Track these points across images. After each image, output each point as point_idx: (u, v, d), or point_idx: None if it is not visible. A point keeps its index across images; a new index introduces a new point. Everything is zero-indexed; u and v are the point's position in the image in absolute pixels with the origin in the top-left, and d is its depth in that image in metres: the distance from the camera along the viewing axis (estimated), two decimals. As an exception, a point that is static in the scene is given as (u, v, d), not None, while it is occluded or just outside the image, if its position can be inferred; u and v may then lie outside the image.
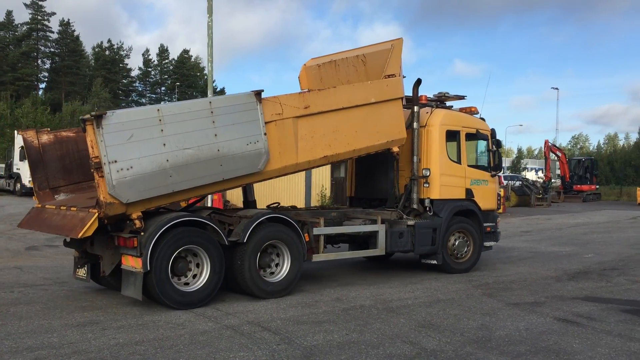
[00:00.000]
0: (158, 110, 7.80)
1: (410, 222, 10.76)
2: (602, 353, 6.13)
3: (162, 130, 7.64)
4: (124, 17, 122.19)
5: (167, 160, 7.70)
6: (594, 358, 5.98)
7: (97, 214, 7.44)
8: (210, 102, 8.24)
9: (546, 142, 42.53)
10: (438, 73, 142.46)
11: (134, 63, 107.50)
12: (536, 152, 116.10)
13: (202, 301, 8.14)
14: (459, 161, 11.50)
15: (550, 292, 9.48)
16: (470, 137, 11.81)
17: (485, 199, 11.89)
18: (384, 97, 10.09)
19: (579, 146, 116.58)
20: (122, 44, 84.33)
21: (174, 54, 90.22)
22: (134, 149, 7.42)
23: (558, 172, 45.64)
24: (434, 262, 11.10)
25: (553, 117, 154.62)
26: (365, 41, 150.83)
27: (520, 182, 40.34)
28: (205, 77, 36.12)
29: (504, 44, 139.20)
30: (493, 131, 12.26)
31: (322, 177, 23.48)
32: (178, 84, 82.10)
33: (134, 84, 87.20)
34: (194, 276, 8.25)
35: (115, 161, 7.27)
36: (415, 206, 11.04)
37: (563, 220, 24.81)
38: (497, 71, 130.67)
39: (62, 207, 8.39)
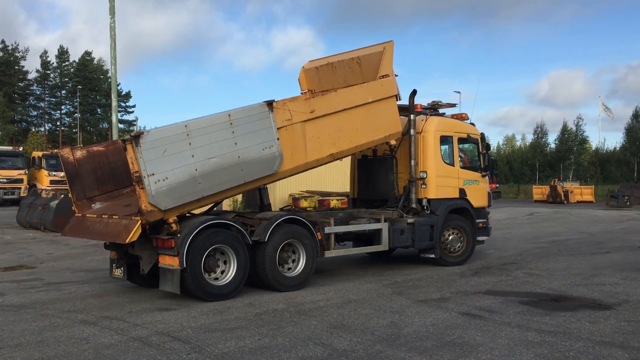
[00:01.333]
0: (185, 126, 8.63)
1: (410, 220, 11.76)
2: (502, 344, 6.45)
3: (190, 143, 8.59)
4: (22, 16, 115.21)
5: (196, 170, 8.65)
6: (495, 349, 6.28)
7: (140, 221, 8.35)
8: (229, 115, 9.10)
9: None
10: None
11: (32, 65, 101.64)
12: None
13: (231, 294, 9.10)
14: (452, 163, 12.57)
15: (455, 287, 9.88)
16: (462, 141, 12.97)
17: (477, 197, 12.98)
18: (380, 96, 11.03)
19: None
20: (17, 45, 79.47)
21: (75, 55, 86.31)
22: (167, 162, 8.34)
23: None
24: (432, 255, 12.15)
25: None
26: (279, 44, 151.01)
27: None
28: (109, 79, 34.78)
29: (415, 49, 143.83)
30: (482, 135, 13.43)
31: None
32: (80, 87, 78.53)
33: (32, 87, 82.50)
34: (222, 272, 9.19)
35: (153, 174, 8.19)
36: (414, 205, 12.09)
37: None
38: (407, 75, 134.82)
39: (103, 216, 9.27)
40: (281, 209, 11.14)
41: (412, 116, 12.09)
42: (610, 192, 37.47)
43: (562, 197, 40.93)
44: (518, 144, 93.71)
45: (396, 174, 12.22)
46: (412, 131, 12.04)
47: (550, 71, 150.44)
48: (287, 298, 9.10)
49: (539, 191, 44.71)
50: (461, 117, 13.37)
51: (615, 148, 67.03)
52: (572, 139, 68.54)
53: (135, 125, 69.91)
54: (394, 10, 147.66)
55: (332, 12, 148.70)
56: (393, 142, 11.64)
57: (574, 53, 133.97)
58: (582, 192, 43.49)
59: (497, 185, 47.86)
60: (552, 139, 71.15)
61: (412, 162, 12.06)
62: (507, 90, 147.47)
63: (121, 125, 68.56)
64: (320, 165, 10.80)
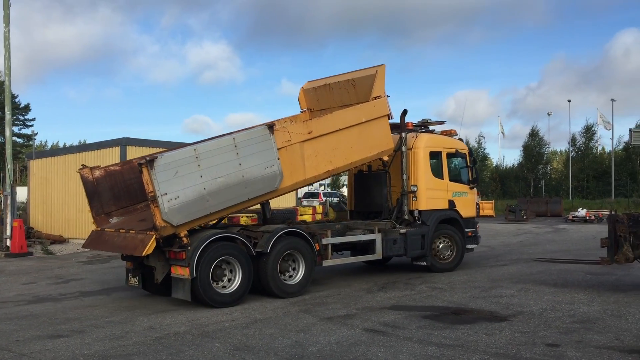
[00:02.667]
0: (194, 149, 9.49)
1: (402, 231, 12.64)
2: (404, 359, 6.54)
3: (199, 165, 9.40)
4: None
5: (205, 189, 9.44)
6: (396, 365, 6.35)
7: (154, 235, 9.17)
8: (234, 138, 9.94)
9: (360, 160, 45.09)
10: (266, 92, 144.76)
11: None
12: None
13: (236, 301, 9.93)
14: (441, 177, 13.58)
15: (362, 303, 9.96)
16: (450, 156, 13.88)
17: (466, 208, 13.96)
18: (373, 116, 11.87)
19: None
20: None
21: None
22: (179, 182, 9.14)
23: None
24: (424, 263, 13.08)
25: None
26: (195, 58, 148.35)
27: (338, 199, 42.33)
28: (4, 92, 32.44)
29: (330, 66, 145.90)
30: (470, 150, 14.56)
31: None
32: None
33: None
34: (229, 280, 10.02)
35: (166, 193, 8.98)
36: (406, 217, 13.01)
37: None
38: None
39: (121, 230, 10.07)
40: (283, 222, 11.95)
41: (403, 134, 12.99)
42: (508, 207, 39.37)
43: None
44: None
45: (389, 187, 13.10)
46: (403, 147, 12.96)
47: (456, 91, 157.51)
48: (191, 320, 8.81)
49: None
50: (450, 134, 14.38)
51: (513, 165, 70.86)
52: (474, 156, 71.92)
53: (34, 139, 66.05)
54: (311, 27, 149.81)
55: (249, 28, 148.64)
56: (386, 158, 12.46)
57: (480, 74, 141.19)
58: (484, 207, 45.43)
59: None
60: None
61: (404, 177, 12.98)
62: (418, 109, 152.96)
63: (19, 140, 64.57)
64: (318, 181, 11.84)
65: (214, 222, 10.75)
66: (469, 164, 14.26)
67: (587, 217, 32.95)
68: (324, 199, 45.06)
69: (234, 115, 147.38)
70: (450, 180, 13.76)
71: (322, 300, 10.35)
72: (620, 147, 58.24)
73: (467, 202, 14.05)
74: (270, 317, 8.99)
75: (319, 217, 28.19)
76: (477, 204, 14.78)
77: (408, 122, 13.35)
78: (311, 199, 46.97)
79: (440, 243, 13.35)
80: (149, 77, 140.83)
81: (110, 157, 22.58)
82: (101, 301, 10.69)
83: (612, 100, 53.02)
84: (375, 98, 11.96)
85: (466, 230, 13.79)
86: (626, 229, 10.12)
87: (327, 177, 11.73)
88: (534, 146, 65.09)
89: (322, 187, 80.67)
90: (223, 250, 9.88)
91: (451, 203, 13.60)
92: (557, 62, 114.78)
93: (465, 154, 14.26)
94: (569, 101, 61.91)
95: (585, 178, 58.33)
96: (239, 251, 10.09)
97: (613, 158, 52.79)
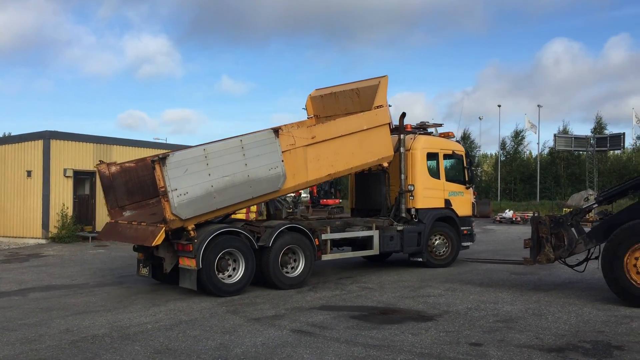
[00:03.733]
0: (204, 149, 10.21)
1: (399, 228, 13.29)
2: (329, 361, 6.46)
3: (207, 164, 10.07)
4: None
5: (212, 186, 10.13)
6: (322, 366, 6.26)
7: (164, 227, 9.87)
8: (241, 140, 10.64)
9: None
10: (205, 89, 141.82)
11: None
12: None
13: (239, 291, 10.65)
14: (438, 177, 14.21)
15: (291, 304, 9.84)
16: (447, 157, 14.53)
17: (462, 207, 14.56)
18: (374, 124, 12.54)
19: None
20: None
21: None
22: (188, 179, 9.81)
23: (308, 187, 48.61)
24: (420, 259, 13.73)
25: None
26: (132, 52, 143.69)
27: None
28: None
29: (272, 64, 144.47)
30: (467, 151, 15.16)
31: (63, 196, 21.45)
32: None
33: None
34: (233, 270, 10.71)
35: (176, 189, 9.66)
36: (403, 215, 13.62)
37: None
38: (263, 90, 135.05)
39: (133, 222, 10.80)
40: (285, 218, 12.72)
41: (401, 135, 13.63)
42: None
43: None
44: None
45: (388, 186, 13.75)
46: (401, 149, 13.59)
47: (395, 94, 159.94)
48: (111, 322, 8.44)
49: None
50: (447, 136, 15.11)
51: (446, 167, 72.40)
52: (470, 158, 73.18)
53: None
54: (254, 24, 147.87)
55: (190, 23, 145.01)
56: (385, 165, 13.12)
57: (418, 77, 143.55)
58: None
59: (340, 200, 49.50)
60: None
61: (402, 176, 13.62)
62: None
63: None
64: (319, 183, 12.74)
65: (220, 217, 11.40)
66: (465, 165, 14.90)
67: (514, 219, 34.10)
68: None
69: (171, 111, 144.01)
70: (447, 180, 14.39)
71: (251, 300, 10.16)
72: (546, 151, 60.77)
73: (463, 201, 14.67)
74: (196, 318, 8.73)
75: (253, 215, 28.02)
76: (474, 204, 15.42)
77: (407, 125, 14.05)
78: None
79: (436, 240, 13.99)
80: (83, 69, 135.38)
81: (32, 151, 21.54)
82: (16, 302, 10.12)
83: (538, 106, 55.14)
84: (378, 107, 12.65)
85: (462, 228, 14.41)
86: (548, 230, 10.44)
87: (328, 180, 12.59)
88: (465, 149, 66.76)
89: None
90: (227, 243, 10.58)
91: (447, 202, 14.22)
92: (492, 68, 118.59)
93: (462, 155, 14.89)
94: (499, 106, 64.36)
95: (513, 181, 60.39)
96: (243, 244, 10.77)
97: (539, 162, 54.97)
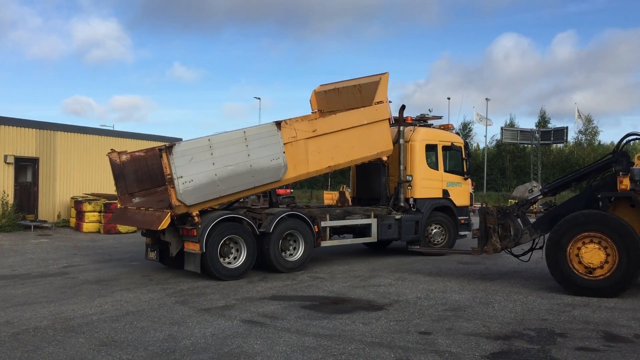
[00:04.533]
0: (209, 139, 10.70)
1: (398, 216, 13.75)
2: (280, 351, 6.41)
3: (211, 153, 10.60)
4: None
5: (216, 175, 10.68)
6: (272, 357, 6.20)
7: (169, 213, 10.41)
8: (244, 132, 11.11)
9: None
10: (156, 75, 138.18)
11: None
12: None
13: (241, 275, 11.16)
14: (436, 168, 14.65)
15: (242, 294, 9.74)
16: (446, 148, 14.95)
17: (459, 197, 15.00)
18: (374, 119, 12.95)
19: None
20: None
21: None
22: (193, 167, 10.38)
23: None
24: (417, 247, 13.84)
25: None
26: (80, 35, 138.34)
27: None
28: None
29: (225, 52, 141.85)
30: (466, 143, 15.57)
31: (4, 184, 20.57)
32: None
33: None
34: (235, 257, 11.24)
35: (182, 176, 10.24)
36: (402, 204, 14.06)
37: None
38: (215, 77, 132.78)
39: (141, 208, 11.45)
40: (287, 205, 13.48)
41: (401, 127, 14.09)
42: None
43: (350, 203, 43.50)
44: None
45: (387, 177, 14.05)
46: (401, 140, 14.04)
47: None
48: (54, 313, 8.15)
49: (329, 197, 46.95)
50: (447, 128, 15.63)
51: (396, 158, 73.11)
52: (469, 149, 73.75)
53: None
54: (207, 11, 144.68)
55: (141, 7, 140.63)
56: (385, 158, 13.48)
57: (373, 69, 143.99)
58: None
59: (292, 190, 49.42)
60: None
61: (401, 167, 14.06)
62: (307, 99, 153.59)
63: None
64: (319, 174, 13.06)
65: (225, 204, 11.85)
66: (464, 156, 15.31)
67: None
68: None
69: (119, 98, 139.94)
70: (445, 171, 14.85)
71: (200, 291, 10.01)
72: (493, 144, 62.22)
73: (461, 191, 15.12)
74: (144, 309, 8.54)
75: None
76: (471, 194, 15.94)
77: (407, 117, 14.60)
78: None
79: (433, 229, 14.45)
80: (28, 52, 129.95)
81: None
82: (-49, 294, 9.65)
83: (487, 99, 56.37)
84: (378, 103, 13.04)
85: (459, 217, 14.87)
86: (495, 220, 10.68)
87: (328, 172, 13.03)
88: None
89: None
90: (230, 229, 11.10)
91: (445, 192, 14.71)
92: (444, 61, 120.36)
93: (460, 147, 15.30)
94: (449, 99, 65.74)
95: (461, 172, 61.70)
96: (245, 231, 11.29)
97: (486, 154, 56.25)
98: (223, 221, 11.02)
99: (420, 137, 14.48)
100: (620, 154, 9.91)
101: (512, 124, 57.64)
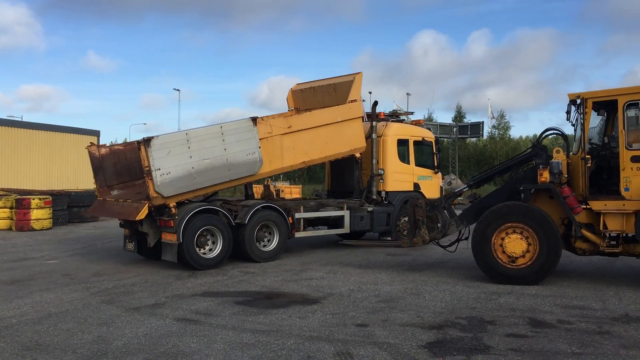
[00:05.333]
0: (186, 134, 11.11)
1: (370, 209, 14.25)
2: (218, 349, 6.26)
3: (189, 147, 10.96)
4: None
5: (193, 168, 11.04)
6: (210, 355, 6.04)
7: (147, 204, 10.75)
8: (221, 127, 11.55)
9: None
10: (69, 64, 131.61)
11: None
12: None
13: (217, 265, 11.56)
14: (408, 162, 15.25)
15: (171, 291, 9.46)
16: (417, 143, 15.56)
17: (430, 190, 15.46)
18: (348, 116, 13.56)
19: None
20: None
21: None
22: (171, 160, 10.73)
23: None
24: (389, 238, 14.71)
25: (180, 116, 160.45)
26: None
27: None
28: None
29: (145, 42, 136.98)
30: (436, 139, 16.20)
31: None
32: None
33: None
34: (210, 249, 11.65)
35: (159, 169, 10.59)
36: (374, 197, 14.60)
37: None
38: (133, 68, 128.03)
39: (120, 200, 11.83)
40: (261, 198, 14.28)
41: (374, 123, 14.65)
42: (314, 191, 40.96)
43: (275, 196, 43.35)
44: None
45: (361, 170, 14.64)
46: (373, 135, 14.56)
47: (270, 77, 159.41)
48: (-32, 318, 7.58)
49: (255, 190, 46.60)
50: (418, 123, 16.51)
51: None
52: (439, 144, 73.64)
53: None
54: None
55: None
56: (358, 155, 14.15)
57: (295, 62, 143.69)
58: (292, 191, 46.75)
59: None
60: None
61: (374, 161, 14.57)
62: (231, 91, 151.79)
63: None
64: (294, 169, 13.68)
65: (201, 197, 12.21)
66: (434, 151, 15.91)
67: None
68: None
69: (28, 87, 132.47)
70: (417, 165, 15.43)
71: (127, 289, 9.63)
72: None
73: (432, 185, 15.74)
74: (67, 310, 8.12)
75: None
76: (441, 187, 16.54)
77: (380, 112, 15.23)
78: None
79: (404, 220, 14.68)
80: None
81: None
82: None
83: (407, 94, 57.88)
84: (352, 101, 13.59)
85: None
86: (424, 213, 10.94)
87: (303, 167, 13.45)
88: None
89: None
90: (206, 220, 11.49)
91: (416, 185, 15.28)
92: (366, 55, 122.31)
93: (431, 142, 15.90)
94: (370, 93, 67.23)
95: (382, 166, 62.93)
96: (220, 222, 11.69)
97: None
98: (199, 212, 11.39)
99: (393, 132, 15.07)
100: (540, 148, 10.39)
101: (430, 118, 59.36)
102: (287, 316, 7.72)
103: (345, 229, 13.92)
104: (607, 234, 9.71)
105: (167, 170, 10.69)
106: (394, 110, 16.43)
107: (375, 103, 15.04)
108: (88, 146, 12.59)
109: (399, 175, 15.07)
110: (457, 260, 12.25)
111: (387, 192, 14.82)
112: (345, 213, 13.86)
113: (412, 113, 16.78)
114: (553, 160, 9.99)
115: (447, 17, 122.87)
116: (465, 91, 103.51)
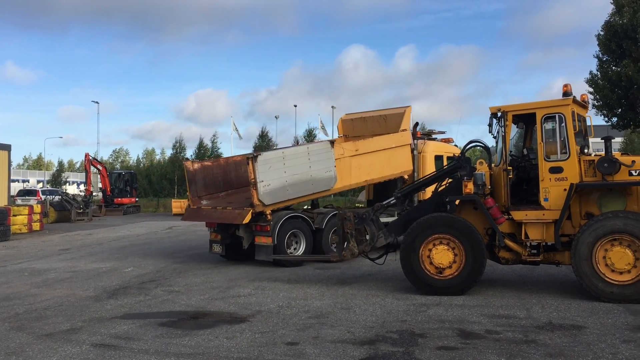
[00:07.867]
0: (282, 152, 13.70)
1: None
2: (140, 376, 5.87)
3: (284, 163, 13.24)
4: None
5: (286, 181, 13.29)
6: (132, 384, 5.65)
7: (251, 210, 12.98)
8: (307, 147, 14.36)
9: (87, 155, 41.67)
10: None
11: None
12: (78, 165, 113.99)
13: (301, 263, 13.77)
14: None
15: (89, 314, 8.90)
16: (449, 159, 15.98)
17: None
18: (400, 143, 15.25)
19: (120, 160, 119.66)
20: None
21: None
22: (271, 174, 13.02)
23: (100, 185, 45.41)
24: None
25: (101, 129, 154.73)
26: None
27: (60, 197, 38.51)
28: None
29: (69, 52, 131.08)
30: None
31: None
32: None
33: None
34: (295, 248, 14.10)
35: (262, 181, 12.90)
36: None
37: (104, 235, 24.53)
38: (55, 79, 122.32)
39: (218, 207, 14.19)
40: (325, 207, 16.49)
41: (414, 141, 15.97)
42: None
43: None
44: (158, 157, 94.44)
45: (404, 182, 15.49)
46: (415, 152, 15.99)
47: (198, 90, 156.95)
48: None
49: (178, 205, 45.37)
50: (448, 141, 18.33)
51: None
52: (207, 154, 72.40)
53: None
54: (51, 6, 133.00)
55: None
56: (406, 177, 15.43)
57: (227, 75, 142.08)
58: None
59: (137, 199, 47.11)
60: (190, 153, 73.40)
61: (415, 174, 15.82)
62: (158, 104, 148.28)
63: None
64: (358, 187, 15.63)
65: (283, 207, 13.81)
66: None
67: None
68: (42, 197, 40.65)
69: None
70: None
71: (39, 314, 8.98)
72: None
73: None
74: (-29, 339, 7.42)
75: (36, 217, 25.25)
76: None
77: (417, 132, 16.67)
78: (27, 197, 41.98)
79: None
80: None
81: None
82: None
83: (332, 107, 58.39)
84: (403, 130, 15.30)
85: None
86: (352, 226, 10.88)
87: (363, 185, 15.38)
88: (263, 147, 68.08)
89: (41, 184, 73.02)
90: (294, 225, 13.84)
91: None
92: (296, 69, 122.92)
93: None
94: (295, 106, 67.67)
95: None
96: (304, 226, 14.02)
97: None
98: (289, 219, 13.71)
99: (431, 149, 16.92)
100: (464, 160, 10.58)
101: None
102: (214, 337, 7.39)
103: None
104: (529, 243, 9.99)
105: (268, 182, 12.82)
106: (429, 130, 18.58)
107: (416, 124, 16.68)
108: (184, 161, 14.79)
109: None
110: (386, 272, 12.26)
111: None
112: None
113: (444, 132, 18.72)
114: (477, 172, 10.20)
115: (377, 32, 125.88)
116: (392, 104, 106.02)
